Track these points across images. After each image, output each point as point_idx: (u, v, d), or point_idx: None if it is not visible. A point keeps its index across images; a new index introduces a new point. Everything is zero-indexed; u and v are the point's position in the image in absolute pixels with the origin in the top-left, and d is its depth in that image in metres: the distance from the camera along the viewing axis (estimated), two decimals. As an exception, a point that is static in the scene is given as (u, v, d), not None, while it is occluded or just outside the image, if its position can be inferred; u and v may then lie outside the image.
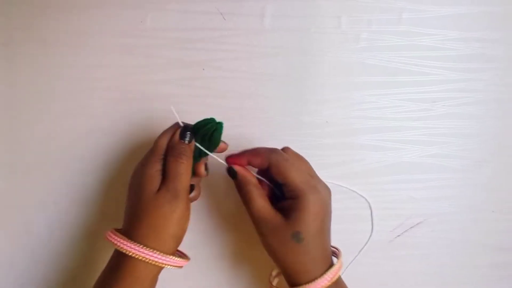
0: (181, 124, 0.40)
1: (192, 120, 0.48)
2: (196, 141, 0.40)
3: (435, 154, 0.49)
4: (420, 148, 0.49)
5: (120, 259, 0.37)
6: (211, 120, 0.40)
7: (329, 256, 0.40)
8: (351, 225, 0.49)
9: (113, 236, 0.38)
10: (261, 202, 0.39)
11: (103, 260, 0.40)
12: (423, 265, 0.49)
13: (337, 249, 0.42)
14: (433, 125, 0.49)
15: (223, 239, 0.48)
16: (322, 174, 0.48)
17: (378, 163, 0.49)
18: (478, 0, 0.49)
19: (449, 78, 0.49)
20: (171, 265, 0.38)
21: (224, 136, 0.45)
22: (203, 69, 0.48)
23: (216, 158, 0.41)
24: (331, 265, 0.39)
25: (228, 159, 0.41)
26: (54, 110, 0.47)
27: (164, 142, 0.40)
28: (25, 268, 0.47)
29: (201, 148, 0.40)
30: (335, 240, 0.42)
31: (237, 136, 0.48)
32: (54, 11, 0.47)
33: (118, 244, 0.37)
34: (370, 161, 0.49)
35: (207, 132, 0.40)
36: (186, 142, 0.39)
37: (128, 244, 0.37)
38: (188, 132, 0.40)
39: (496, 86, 0.49)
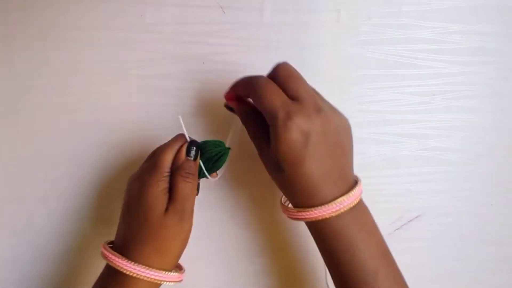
0: (188, 139, 0.40)
1: (193, 115, 0.48)
2: (201, 159, 0.39)
3: (435, 147, 0.49)
4: (420, 141, 0.49)
5: (118, 278, 0.37)
6: (221, 144, 0.40)
7: (343, 181, 0.37)
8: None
9: (113, 257, 0.37)
10: (252, 128, 0.39)
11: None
12: (422, 258, 0.50)
13: (356, 179, 0.39)
14: (433, 119, 0.49)
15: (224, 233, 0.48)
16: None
17: (377, 156, 0.49)
18: (479, -7, 0.49)
19: (449, 71, 0.49)
20: (172, 281, 0.38)
21: (223, 128, 0.45)
22: (203, 63, 0.48)
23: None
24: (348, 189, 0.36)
25: (225, 95, 0.41)
26: (54, 105, 0.47)
27: (169, 159, 0.38)
28: (28, 262, 0.48)
29: (203, 169, 0.39)
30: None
31: (238, 130, 0.48)
32: (53, 5, 0.47)
33: (119, 265, 0.36)
34: (369, 154, 0.49)
35: (215, 155, 0.39)
36: (192, 159, 0.39)
37: (132, 267, 0.36)
38: (194, 148, 0.39)
39: (496, 80, 0.49)
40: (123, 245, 0.38)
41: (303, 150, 0.35)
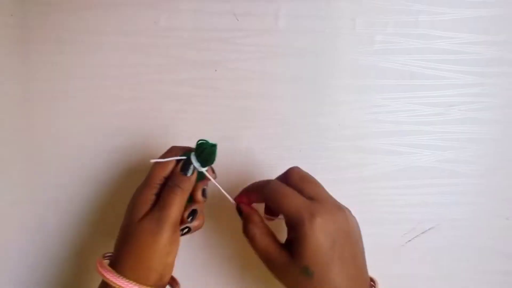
0: (184, 157, 0.38)
1: (205, 122, 0.48)
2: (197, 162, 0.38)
3: (449, 159, 0.49)
4: (434, 152, 0.49)
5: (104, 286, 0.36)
6: (206, 144, 0.38)
7: (362, 282, 0.36)
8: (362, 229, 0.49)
9: (99, 264, 0.36)
10: (264, 241, 0.36)
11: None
12: (434, 270, 0.49)
13: (373, 281, 0.38)
14: (448, 130, 0.49)
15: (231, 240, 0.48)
16: (333, 177, 0.48)
17: (391, 167, 0.49)
18: (497, 3, 0.48)
19: (465, 82, 0.48)
20: None
21: (237, 137, 0.45)
22: (216, 70, 0.48)
23: (224, 194, 0.39)
24: None
25: (236, 198, 0.40)
26: (68, 109, 0.48)
27: (159, 172, 0.38)
28: (38, 264, 0.48)
29: (204, 172, 0.38)
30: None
31: (250, 136, 0.47)
32: (70, 10, 0.47)
33: (100, 272, 0.36)
34: (383, 165, 0.49)
35: (205, 155, 0.38)
36: (185, 174, 0.37)
37: (110, 275, 0.35)
38: (191, 165, 0.38)
39: (513, 91, 0.49)
40: (114, 256, 0.38)
41: (331, 251, 0.33)
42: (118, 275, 0.35)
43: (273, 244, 0.36)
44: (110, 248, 0.47)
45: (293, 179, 0.37)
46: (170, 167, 0.38)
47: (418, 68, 0.48)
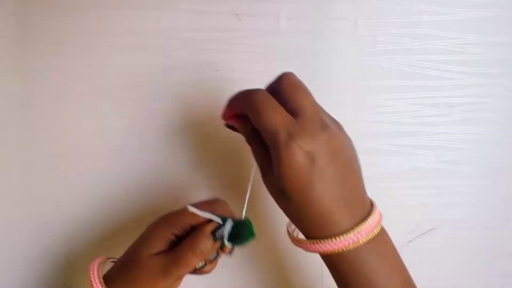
0: (220, 222, 0.36)
1: (206, 123, 0.48)
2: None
3: (451, 160, 0.49)
4: (436, 153, 0.49)
5: None
6: (248, 228, 0.36)
7: (358, 208, 0.32)
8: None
9: (91, 273, 0.36)
10: (256, 147, 0.33)
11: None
12: (434, 271, 0.49)
13: (371, 201, 0.35)
14: (449, 131, 0.49)
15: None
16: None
17: (392, 168, 0.49)
18: (499, 4, 0.47)
19: (467, 83, 0.48)
20: None
21: (235, 138, 0.45)
22: (217, 70, 0.48)
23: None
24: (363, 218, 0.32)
25: (223, 112, 0.36)
26: (69, 109, 0.48)
27: (189, 219, 0.36)
28: (40, 264, 0.48)
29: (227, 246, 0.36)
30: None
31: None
32: (70, 10, 0.47)
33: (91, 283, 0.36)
34: (384, 166, 0.49)
35: (241, 239, 0.36)
36: (213, 239, 0.36)
37: None
38: (222, 235, 0.36)
39: (516, 92, 0.48)
40: (111, 273, 0.37)
41: (309, 173, 0.30)
42: None
43: (265, 155, 0.32)
44: (111, 249, 0.47)
45: (282, 87, 0.32)
46: (201, 219, 0.36)
47: (420, 68, 0.48)
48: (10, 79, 0.47)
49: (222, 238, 0.36)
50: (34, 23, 0.47)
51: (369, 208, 0.33)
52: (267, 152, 0.32)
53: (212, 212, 0.36)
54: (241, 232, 0.35)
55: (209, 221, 0.36)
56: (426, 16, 0.47)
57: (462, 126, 0.49)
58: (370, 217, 0.32)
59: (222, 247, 0.36)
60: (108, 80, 0.47)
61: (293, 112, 0.31)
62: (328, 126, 0.31)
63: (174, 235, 0.36)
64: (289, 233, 0.36)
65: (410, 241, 0.49)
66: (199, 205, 0.37)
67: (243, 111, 0.33)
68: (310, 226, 0.32)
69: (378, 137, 0.48)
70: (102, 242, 0.48)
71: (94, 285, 0.35)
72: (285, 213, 0.33)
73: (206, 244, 0.35)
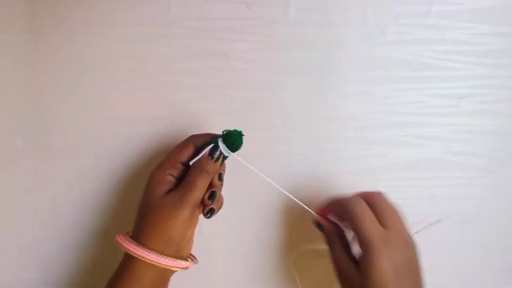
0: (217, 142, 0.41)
1: (215, 111, 0.48)
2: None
3: (459, 151, 0.49)
4: (444, 145, 0.49)
5: (125, 259, 0.40)
6: (233, 131, 0.41)
7: None
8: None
9: (118, 237, 0.40)
10: (339, 252, 0.40)
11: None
12: (439, 263, 0.49)
13: None
14: (458, 122, 0.48)
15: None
16: (341, 168, 0.48)
17: (399, 158, 0.49)
18: (512, -6, 0.47)
19: (477, 74, 0.48)
20: (170, 266, 0.40)
21: (244, 127, 0.45)
22: (226, 59, 0.48)
23: (306, 208, 0.43)
24: None
25: (318, 210, 0.43)
26: (79, 98, 0.48)
27: (176, 156, 0.41)
28: (51, 248, 0.49)
29: (232, 155, 0.42)
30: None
31: (258, 127, 0.48)
32: (81, 1, 0.47)
33: (120, 243, 0.40)
34: (391, 156, 0.49)
35: (233, 141, 0.41)
36: (213, 160, 0.41)
37: (130, 245, 0.39)
38: (218, 150, 0.41)
39: (526, 84, 0.48)
40: (134, 230, 0.41)
41: (394, 280, 0.36)
42: (139, 245, 0.39)
43: (345, 257, 0.40)
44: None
45: (376, 203, 0.40)
46: (187, 153, 0.41)
47: (430, 59, 0.48)
48: (20, 68, 0.48)
49: (220, 155, 0.41)
50: (44, 15, 0.48)
51: None
52: (348, 256, 0.40)
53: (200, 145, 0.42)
54: (232, 140, 0.41)
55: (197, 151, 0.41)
56: (435, 6, 0.47)
57: (471, 117, 0.48)
58: None
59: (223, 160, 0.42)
60: (118, 68, 0.48)
61: (384, 225, 0.38)
62: (411, 242, 0.39)
63: (172, 176, 0.41)
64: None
65: (416, 232, 0.49)
66: (179, 145, 0.42)
67: (341, 216, 0.42)
68: None
69: (386, 127, 0.48)
70: (114, 226, 0.49)
71: (124, 244, 0.39)
72: None
73: (208, 163, 0.40)
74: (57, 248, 0.49)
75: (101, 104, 0.48)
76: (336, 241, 0.41)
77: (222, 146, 0.41)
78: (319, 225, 0.43)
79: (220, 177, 0.42)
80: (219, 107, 0.48)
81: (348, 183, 0.49)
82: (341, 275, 0.40)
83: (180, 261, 0.40)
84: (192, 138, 0.42)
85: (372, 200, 0.40)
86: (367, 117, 0.48)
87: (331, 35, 0.47)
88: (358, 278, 0.37)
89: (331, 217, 0.43)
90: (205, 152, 0.41)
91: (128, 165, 0.49)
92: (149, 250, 0.39)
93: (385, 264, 0.36)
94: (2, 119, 0.48)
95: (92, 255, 0.49)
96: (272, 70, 0.48)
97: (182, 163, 0.42)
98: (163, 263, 0.39)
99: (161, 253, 0.39)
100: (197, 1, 0.48)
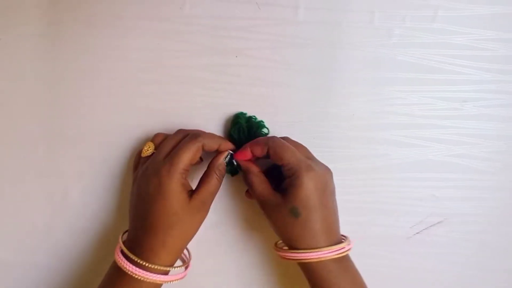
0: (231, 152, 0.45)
1: (223, 107, 0.50)
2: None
3: (462, 154, 0.49)
4: (447, 147, 0.49)
5: (121, 275, 0.41)
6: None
7: (335, 235, 0.42)
8: (370, 217, 0.50)
9: (120, 261, 0.41)
10: (261, 186, 0.43)
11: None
12: (441, 264, 0.50)
13: (344, 236, 0.43)
14: (462, 125, 0.49)
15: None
16: (345, 166, 0.49)
17: (402, 159, 0.49)
18: (518, 1, 0.48)
19: (482, 79, 0.49)
20: (178, 280, 0.42)
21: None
22: (236, 57, 0.49)
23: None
24: (337, 242, 0.41)
25: (235, 155, 0.45)
26: (94, 88, 0.50)
27: (188, 158, 0.41)
28: (61, 234, 0.51)
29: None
30: (352, 231, 0.43)
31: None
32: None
33: (127, 268, 0.40)
34: (394, 156, 0.49)
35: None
36: (226, 163, 0.44)
37: (143, 272, 0.40)
38: (229, 156, 0.45)
39: (530, 89, 0.49)
40: (132, 236, 0.42)
41: (318, 199, 0.40)
42: (154, 271, 0.40)
43: (268, 189, 0.43)
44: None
45: (290, 143, 0.44)
46: (198, 155, 0.43)
47: (435, 62, 0.49)
48: (39, 58, 0.50)
49: (231, 159, 0.45)
50: (64, 5, 0.49)
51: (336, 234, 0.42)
52: (272, 189, 0.43)
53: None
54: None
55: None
56: (442, 11, 0.48)
57: (475, 121, 0.49)
58: (342, 244, 0.41)
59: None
60: (133, 62, 0.50)
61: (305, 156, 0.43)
62: (330, 170, 0.43)
63: (186, 179, 0.42)
64: (277, 248, 0.44)
65: (418, 232, 0.50)
66: (196, 150, 0.43)
67: (263, 152, 0.43)
68: (305, 242, 0.40)
69: (390, 128, 0.49)
70: (124, 214, 0.51)
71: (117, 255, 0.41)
72: (283, 232, 0.42)
73: (223, 166, 0.44)
74: (66, 233, 0.51)
75: (114, 94, 0.50)
76: (257, 176, 0.43)
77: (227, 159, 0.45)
78: (237, 166, 0.45)
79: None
80: (228, 102, 0.50)
81: (352, 181, 0.49)
82: (267, 205, 0.42)
83: (183, 272, 0.43)
84: (202, 140, 0.43)
85: (285, 140, 0.44)
86: (373, 117, 0.49)
87: (339, 36, 0.49)
88: (284, 201, 0.41)
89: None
90: (226, 158, 0.44)
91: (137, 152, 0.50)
92: (160, 271, 0.40)
93: (310, 185, 0.40)
94: (21, 106, 0.50)
95: (102, 243, 0.51)
96: (280, 67, 0.49)
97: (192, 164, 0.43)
98: (173, 279, 0.41)
99: (171, 264, 0.42)
100: (213, 0, 0.49)
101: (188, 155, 0.41)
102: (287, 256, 0.42)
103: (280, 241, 0.45)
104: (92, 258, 0.51)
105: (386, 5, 0.48)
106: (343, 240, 0.42)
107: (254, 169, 0.44)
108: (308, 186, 0.40)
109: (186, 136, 0.44)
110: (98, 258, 0.51)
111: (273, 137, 0.44)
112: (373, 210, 0.50)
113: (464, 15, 0.48)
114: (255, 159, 0.45)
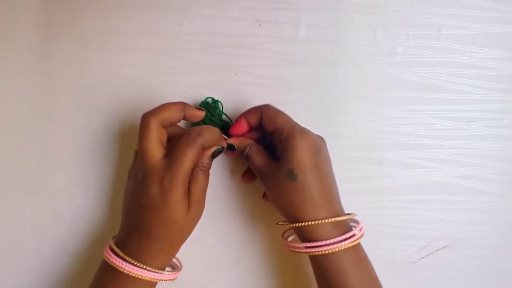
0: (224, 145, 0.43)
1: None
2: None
3: (467, 175, 0.48)
4: (452, 168, 0.48)
5: (112, 275, 0.39)
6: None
7: (335, 205, 0.41)
8: (373, 241, 0.48)
9: (114, 260, 0.39)
10: (257, 156, 0.42)
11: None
12: (447, 289, 0.48)
13: (349, 214, 0.42)
14: (468, 146, 0.48)
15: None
16: (346, 188, 0.48)
17: (406, 180, 0.48)
18: (523, 20, 0.47)
19: (487, 98, 0.48)
20: (172, 280, 0.41)
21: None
22: (236, 74, 0.48)
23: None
24: (338, 215, 0.40)
25: (231, 130, 0.44)
26: (89, 105, 0.49)
27: (189, 166, 0.39)
28: (51, 255, 0.49)
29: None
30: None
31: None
32: (96, 9, 0.49)
33: (122, 266, 0.39)
34: (398, 178, 0.48)
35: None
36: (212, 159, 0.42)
37: (143, 271, 0.39)
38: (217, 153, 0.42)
39: (537, 110, 0.47)
40: (124, 238, 0.41)
41: (314, 161, 0.40)
42: (149, 269, 0.39)
43: (265, 157, 0.42)
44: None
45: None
46: (200, 157, 0.41)
47: (439, 81, 0.48)
48: (32, 74, 0.49)
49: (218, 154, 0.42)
50: (59, 21, 0.49)
51: (336, 205, 0.41)
52: (268, 156, 0.42)
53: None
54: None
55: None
56: (446, 29, 0.47)
57: (480, 141, 0.48)
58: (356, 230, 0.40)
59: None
60: (130, 79, 0.49)
61: None
62: (319, 135, 0.42)
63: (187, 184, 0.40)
64: (284, 239, 0.43)
65: (423, 257, 0.48)
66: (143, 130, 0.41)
67: (256, 119, 0.42)
68: (300, 211, 0.39)
69: (394, 149, 0.48)
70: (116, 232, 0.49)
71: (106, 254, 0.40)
72: (280, 198, 0.41)
73: (209, 165, 0.42)
74: (58, 252, 0.49)
75: (110, 111, 0.49)
76: (253, 146, 0.43)
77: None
78: (230, 147, 0.44)
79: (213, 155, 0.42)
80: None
81: (354, 203, 0.48)
82: (265, 175, 0.41)
83: (172, 273, 0.41)
84: (202, 140, 0.40)
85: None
86: (375, 137, 0.48)
87: (341, 54, 0.48)
88: (280, 166, 0.40)
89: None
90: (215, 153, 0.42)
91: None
92: (158, 270, 0.39)
93: (304, 146, 0.39)
94: (12, 122, 0.49)
95: (94, 260, 0.48)
96: (281, 85, 0.48)
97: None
98: (167, 278, 0.40)
99: (168, 264, 0.41)
100: (209, 16, 0.48)
101: (188, 163, 0.39)
102: (296, 249, 0.41)
103: (286, 232, 0.44)
104: (83, 278, 0.49)
105: (389, 23, 0.48)
106: (354, 227, 0.41)
107: (249, 141, 0.44)
108: (302, 147, 0.39)
109: (182, 132, 0.43)
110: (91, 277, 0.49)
111: (266, 104, 0.43)
112: (376, 234, 0.48)
113: (469, 34, 0.48)
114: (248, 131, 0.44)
